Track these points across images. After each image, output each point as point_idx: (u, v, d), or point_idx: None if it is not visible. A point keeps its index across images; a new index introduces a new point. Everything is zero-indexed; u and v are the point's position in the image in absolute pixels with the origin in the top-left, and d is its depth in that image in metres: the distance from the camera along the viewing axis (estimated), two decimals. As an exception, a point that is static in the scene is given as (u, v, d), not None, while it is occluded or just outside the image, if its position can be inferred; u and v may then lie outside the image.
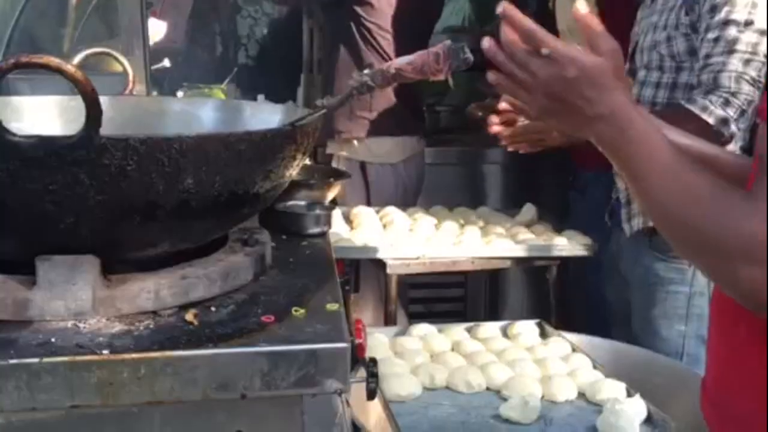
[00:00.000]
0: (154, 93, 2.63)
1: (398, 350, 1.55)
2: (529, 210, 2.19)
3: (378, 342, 1.58)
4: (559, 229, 2.05)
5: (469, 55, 0.80)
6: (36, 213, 0.80)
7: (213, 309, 0.94)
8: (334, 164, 2.51)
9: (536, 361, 1.50)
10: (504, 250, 1.85)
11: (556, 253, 1.87)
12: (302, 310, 0.94)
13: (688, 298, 1.71)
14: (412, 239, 1.88)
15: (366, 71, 0.87)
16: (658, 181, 0.77)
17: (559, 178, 2.92)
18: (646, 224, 1.77)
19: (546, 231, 2.02)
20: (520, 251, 1.86)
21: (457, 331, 1.67)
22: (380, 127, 2.50)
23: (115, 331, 0.85)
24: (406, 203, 2.37)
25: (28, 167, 0.76)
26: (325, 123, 2.61)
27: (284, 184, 1.06)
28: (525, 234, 1.98)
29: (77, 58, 1.39)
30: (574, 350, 1.57)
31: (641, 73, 1.78)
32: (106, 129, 1.29)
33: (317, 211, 1.37)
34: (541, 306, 2.08)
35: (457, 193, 2.78)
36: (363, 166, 2.54)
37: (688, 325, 1.74)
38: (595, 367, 1.49)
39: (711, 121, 1.58)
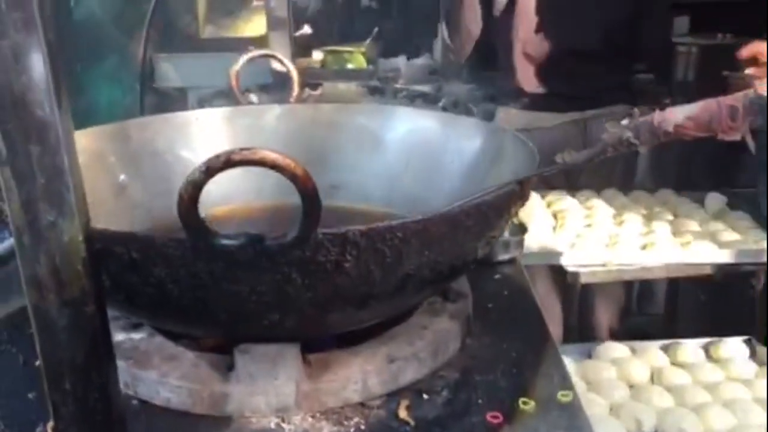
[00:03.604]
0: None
1: (590, 379, 1.39)
2: (714, 200, 1.92)
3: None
4: (761, 223, 1.78)
5: (786, 114, 0.60)
6: (238, 311, 0.69)
7: (425, 397, 0.80)
8: None
9: (758, 401, 1.29)
10: (705, 256, 1.61)
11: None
12: (531, 403, 0.79)
13: None
14: (593, 238, 1.67)
15: (626, 121, 0.68)
16: None
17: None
18: None
19: (749, 227, 1.75)
20: (725, 257, 1.61)
21: (653, 352, 1.47)
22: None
23: (325, 435, 0.74)
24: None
25: (234, 269, 0.64)
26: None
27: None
28: (725, 232, 1.72)
29: (239, 63, 1.27)
30: (801, 387, 1.35)
31: None
32: (272, 139, 1.21)
33: (507, 236, 1.21)
34: (738, 315, 1.82)
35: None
36: None
37: None
38: (834, 413, 1.27)
39: None
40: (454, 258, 0.75)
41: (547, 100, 2.23)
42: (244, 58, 1.25)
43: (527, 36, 2.21)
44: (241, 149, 0.56)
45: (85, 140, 1.03)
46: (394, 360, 0.81)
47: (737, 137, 0.63)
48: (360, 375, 0.78)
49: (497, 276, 1.14)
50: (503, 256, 1.19)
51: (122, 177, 1.02)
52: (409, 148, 1.13)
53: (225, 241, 0.61)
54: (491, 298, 1.06)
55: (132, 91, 2.12)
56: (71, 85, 2.13)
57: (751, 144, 0.64)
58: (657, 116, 0.67)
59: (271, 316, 0.69)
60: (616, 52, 2.23)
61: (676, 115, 0.65)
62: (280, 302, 0.68)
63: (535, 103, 2.24)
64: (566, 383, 0.84)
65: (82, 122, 2.12)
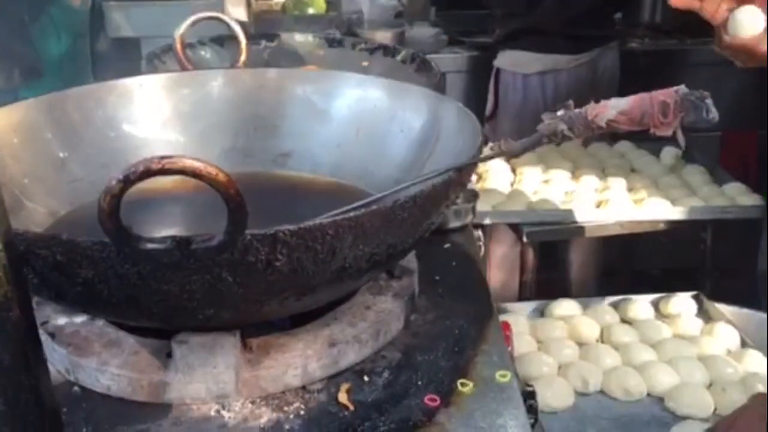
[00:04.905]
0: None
1: (540, 338, 1.42)
2: (669, 153, 1.93)
3: (516, 323, 1.44)
4: (716, 176, 1.80)
5: (715, 113, 0.59)
6: (171, 307, 0.69)
7: (366, 379, 0.82)
8: None
9: (702, 359, 1.33)
10: (658, 213, 1.63)
11: (725, 215, 1.63)
12: (470, 384, 0.81)
13: None
14: (550, 196, 1.68)
15: (561, 112, 0.67)
16: None
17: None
18: None
19: (703, 183, 1.77)
20: (679, 214, 1.63)
21: (604, 309, 1.51)
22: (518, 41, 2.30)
23: (264, 422, 0.75)
24: (534, 120, 2.19)
25: (162, 270, 0.63)
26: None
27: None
28: (678, 187, 1.74)
29: (183, 27, 1.22)
30: (744, 344, 1.39)
31: None
32: (218, 107, 1.18)
33: (459, 203, 1.21)
34: (688, 266, 1.84)
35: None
36: (497, 71, 2.43)
37: None
38: (772, 369, 1.31)
39: None
40: (391, 248, 0.75)
41: (561, 42, 2.25)
42: (188, 22, 1.21)
43: None
44: (162, 158, 0.55)
45: (22, 114, 0.99)
46: (336, 344, 0.81)
47: (668, 133, 0.63)
48: (300, 360, 0.79)
49: (447, 245, 1.15)
50: (455, 224, 1.19)
51: (62, 154, 0.99)
52: (358, 116, 1.11)
53: (150, 246, 0.60)
54: (439, 269, 1.06)
55: (83, 42, 2.05)
56: (20, 37, 2.06)
57: (681, 139, 0.64)
58: (590, 110, 0.66)
59: (206, 312, 0.69)
60: None
61: (609, 111, 0.64)
62: (213, 299, 0.67)
63: (549, 46, 2.25)
64: (505, 363, 0.85)
65: (32, 75, 2.05)
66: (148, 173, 0.54)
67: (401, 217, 0.71)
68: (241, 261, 0.63)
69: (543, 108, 2.43)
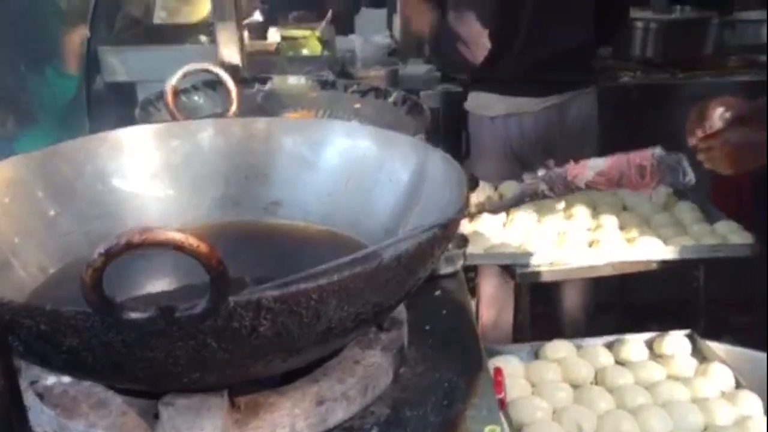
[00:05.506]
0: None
1: (534, 380, 1.41)
2: (660, 191, 1.93)
3: (510, 365, 1.44)
4: (708, 213, 1.80)
5: (691, 175, 0.60)
6: (157, 373, 0.69)
7: (355, 436, 0.82)
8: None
9: (697, 401, 1.33)
10: (650, 253, 1.63)
11: (715, 254, 1.63)
12: (459, 441, 0.80)
13: None
14: (542, 236, 1.68)
15: (541, 173, 0.68)
16: None
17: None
18: None
19: (694, 221, 1.77)
20: (670, 253, 1.64)
21: (597, 350, 1.50)
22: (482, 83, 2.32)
23: (251, 485, 0.75)
24: (503, 162, 2.24)
25: (147, 339, 0.63)
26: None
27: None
28: (670, 227, 1.74)
29: (174, 79, 1.24)
30: (738, 384, 1.39)
31: None
32: (208, 158, 1.19)
33: (450, 249, 1.21)
34: (682, 298, 1.84)
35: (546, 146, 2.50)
36: (466, 113, 2.44)
37: None
38: None
39: None
40: (377, 306, 0.75)
41: (527, 85, 2.25)
42: (179, 74, 1.23)
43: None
44: (144, 230, 0.56)
45: (12, 171, 1.00)
46: (324, 401, 0.81)
47: (648, 192, 0.64)
48: (288, 420, 0.79)
49: (437, 292, 1.15)
50: (446, 270, 1.20)
51: (53, 212, 1.00)
52: (348, 166, 1.12)
53: (134, 315, 0.60)
54: (429, 318, 1.06)
55: (79, 88, 2.07)
56: (17, 84, 2.08)
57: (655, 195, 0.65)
58: (570, 170, 0.67)
59: (191, 376, 0.69)
60: (585, 38, 2.27)
61: (587, 171, 0.65)
62: (198, 364, 0.67)
63: (515, 89, 2.26)
64: (494, 417, 0.85)
65: (29, 121, 2.07)
66: (130, 246, 0.55)
67: (386, 278, 0.71)
68: (225, 327, 0.63)
69: (509, 150, 2.46)
